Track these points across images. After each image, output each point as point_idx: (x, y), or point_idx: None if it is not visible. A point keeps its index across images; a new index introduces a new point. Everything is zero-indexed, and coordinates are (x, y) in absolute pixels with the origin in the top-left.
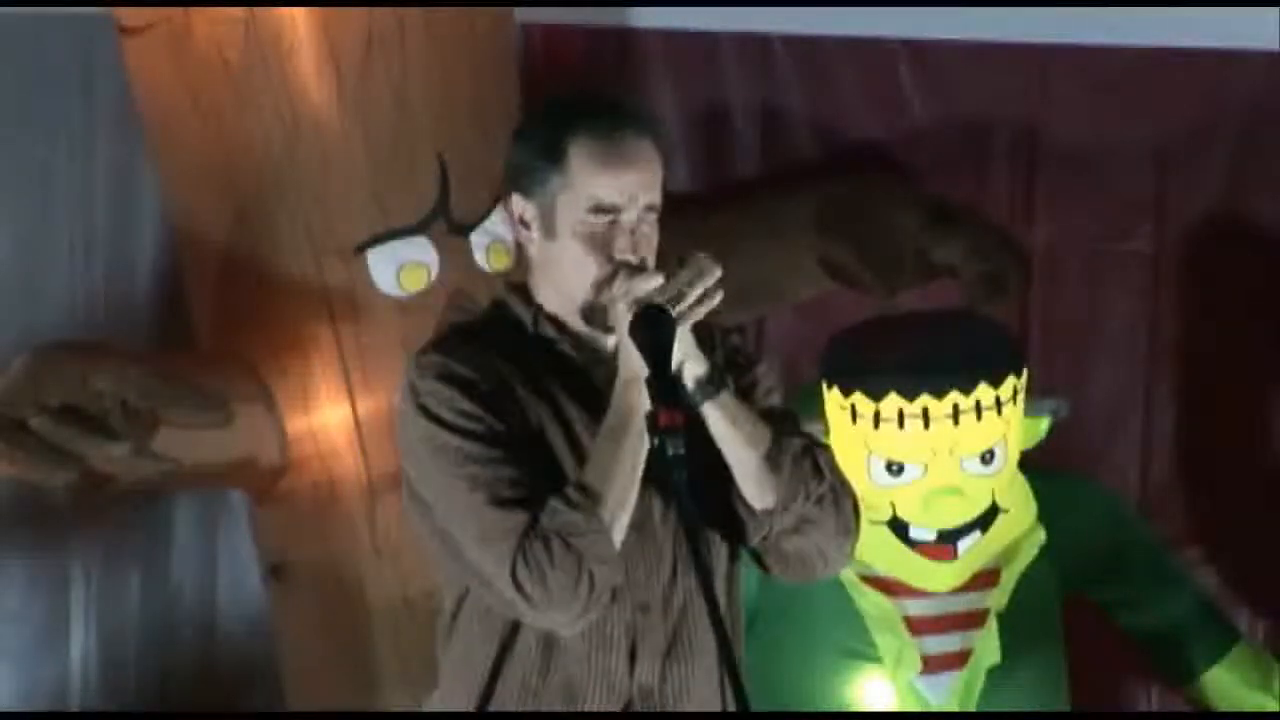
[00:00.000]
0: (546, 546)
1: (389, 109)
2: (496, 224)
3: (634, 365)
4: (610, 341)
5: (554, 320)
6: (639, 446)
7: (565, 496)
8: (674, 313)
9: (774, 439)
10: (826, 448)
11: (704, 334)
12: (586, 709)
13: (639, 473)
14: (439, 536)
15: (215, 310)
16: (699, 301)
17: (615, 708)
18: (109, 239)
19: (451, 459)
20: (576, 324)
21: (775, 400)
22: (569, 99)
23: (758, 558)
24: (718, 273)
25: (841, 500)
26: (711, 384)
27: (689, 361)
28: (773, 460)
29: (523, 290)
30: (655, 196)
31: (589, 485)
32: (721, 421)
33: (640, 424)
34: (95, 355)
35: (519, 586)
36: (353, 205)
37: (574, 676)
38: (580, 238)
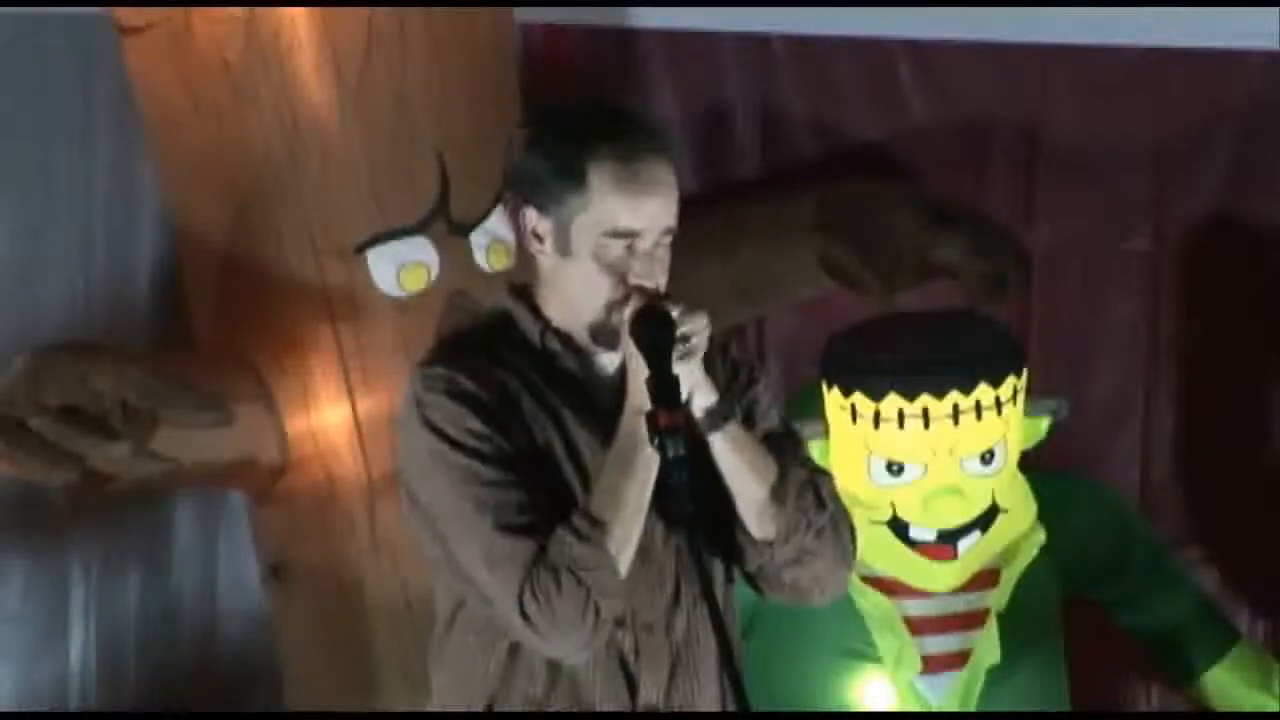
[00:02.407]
0: (555, 578)
1: (389, 109)
2: (496, 224)
3: (642, 394)
4: (616, 360)
5: (561, 335)
6: (647, 476)
7: (573, 527)
8: (683, 349)
9: (779, 470)
10: (826, 475)
11: (707, 354)
12: None
13: (646, 502)
14: (440, 545)
15: (215, 310)
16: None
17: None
18: (109, 239)
19: (458, 478)
20: (583, 339)
21: (774, 419)
22: (585, 112)
23: (751, 582)
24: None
25: (841, 530)
26: (720, 415)
27: (698, 392)
28: (777, 493)
29: (529, 300)
30: (672, 219)
31: (597, 516)
32: (729, 453)
33: (648, 454)
34: (95, 355)
35: (526, 616)
36: (353, 205)
37: (579, 695)
38: (596, 260)
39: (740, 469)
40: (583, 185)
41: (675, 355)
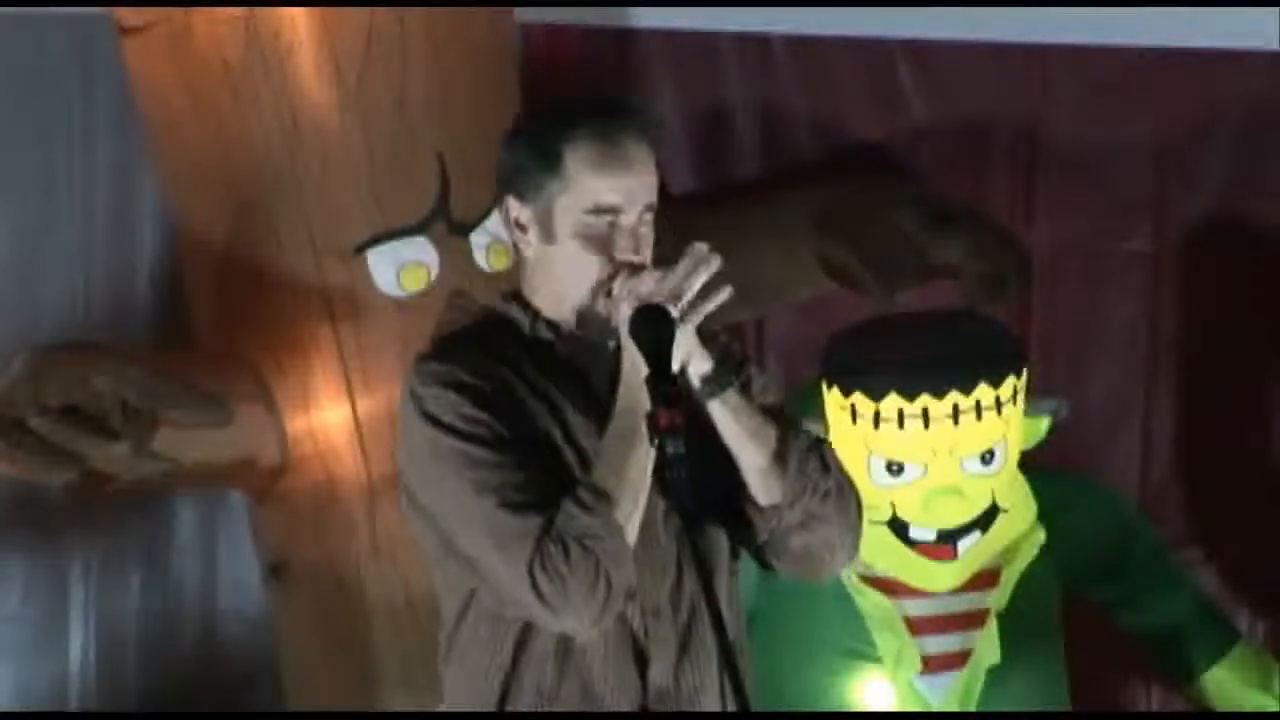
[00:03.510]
0: (564, 551)
1: (389, 109)
2: (496, 224)
3: (640, 365)
4: (609, 344)
5: (551, 324)
6: (647, 448)
7: (579, 499)
8: (676, 311)
9: (780, 435)
10: (829, 444)
11: (704, 332)
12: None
13: (648, 474)
14: (443, 543)
15: (215, 310)
16: (702, 298)
17: (632, 709)
18: (109, 239)
19: (458, 464)
20: (573, 326)
21: (772, 397)
22: (563, 103)
23: (761, 555)
24: (716, 264)
25: (847, 496)
26: (717, 381)
27: (694, 359)
28: (780, 456)
29: (517, 296)
30: (653, 196)
31: (602, 487)
32: (728, 419)
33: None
34: (95, 355)
35: (538, 591)
36: (353, 205)
37: (589, 682)
38: (580, 239)
39: (740, 435)
40: (559, 167)
41: (676, 309)
